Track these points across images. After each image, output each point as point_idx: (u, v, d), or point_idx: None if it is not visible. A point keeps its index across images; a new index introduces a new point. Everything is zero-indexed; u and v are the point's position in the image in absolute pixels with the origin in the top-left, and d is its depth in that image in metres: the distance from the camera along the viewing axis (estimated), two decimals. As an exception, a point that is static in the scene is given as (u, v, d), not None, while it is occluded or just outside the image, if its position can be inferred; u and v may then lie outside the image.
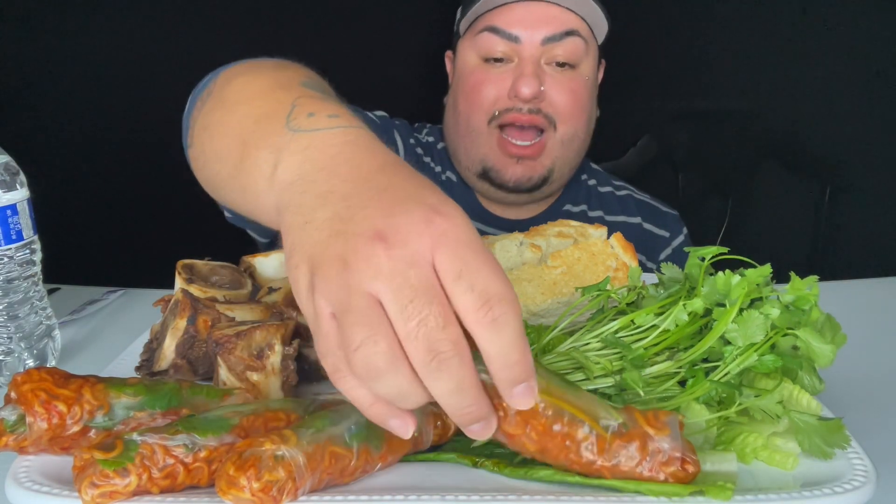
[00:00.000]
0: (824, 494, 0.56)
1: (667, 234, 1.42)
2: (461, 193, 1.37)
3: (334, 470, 0.57)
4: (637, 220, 1.42)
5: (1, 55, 1.98)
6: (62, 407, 0.60)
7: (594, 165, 1.49)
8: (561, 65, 1.24)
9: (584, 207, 1.41)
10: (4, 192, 0.81)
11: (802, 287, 0.67)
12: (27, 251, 0.84)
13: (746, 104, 2.09)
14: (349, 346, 0.45)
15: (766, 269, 0.69)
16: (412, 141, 1.39)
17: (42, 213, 0.88)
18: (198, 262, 0.97)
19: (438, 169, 1.39)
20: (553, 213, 1.39)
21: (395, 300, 0.45)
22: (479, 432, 0.49)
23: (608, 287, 0.76)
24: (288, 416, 0.63)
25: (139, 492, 0.55)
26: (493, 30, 1.22)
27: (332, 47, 1.89)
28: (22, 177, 0.83)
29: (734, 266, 0.72)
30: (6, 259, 0.82)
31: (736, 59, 2.08)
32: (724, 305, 0.67)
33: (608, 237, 0.94)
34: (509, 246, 0.90)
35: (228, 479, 0.52)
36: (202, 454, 0.56)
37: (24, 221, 0.83)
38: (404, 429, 0.49)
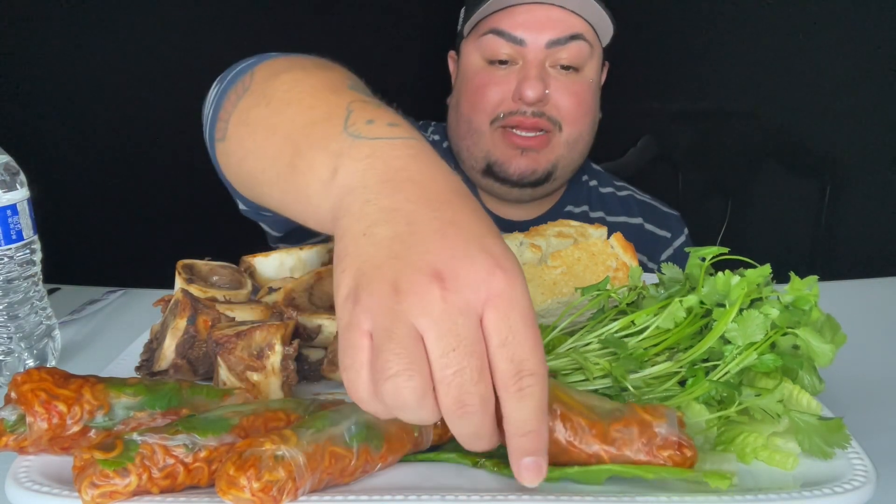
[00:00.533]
0: (824, 494, 0.55)
1: (668, 235, 1.42)
2: None
3: (334, 470, 0.57)
4: (638, 220, 1.42)
5: (1, 55, 1.98)
6: (62, 407, 0.60)
7: (595, 166, 1.49)
8: (565, 68, 1.23)
9: (585, 208, 1.41)
10: (4, 192, 0.81)
11: (802, 287, 0.67)
12: (27, 251, 0.84)
13: (746, 104, 2.10)
14: (383, 373, 0.46)
15: (766, 270, 0.69)
16: None
17: (42, 213, 0.88)
18: (198, 262, 0.97)
19: None
20: (554, 214, 1.39)
21: (438, 342, 0.46)
22: (480, 448, 0.51)
23: (608, 287, 0.76)
24: (288, 416, 0.63)
25: (139, 492, 0.55)
26: (498, 32, 1.22)
27: (336, 47, 1.89)
28: (22, 177, 0.83)
29: (734, 266, 0.72)
30: (6, 259, 0.82)
31: (736, 59, 2.08)
32: (724, 306, 0.67)
33: (608, 235, 0.94)
34: (509, 246, 0.90)
35: (228, 479, 0.52)
36: (202, 454, 0.56)
37: (24, 221, 0.83)
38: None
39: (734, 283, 0.67)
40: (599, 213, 1.41)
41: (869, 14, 2.03)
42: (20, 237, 0.83)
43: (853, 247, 2.16)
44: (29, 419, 0.59)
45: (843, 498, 0.55)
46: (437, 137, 1.43)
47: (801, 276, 0.70)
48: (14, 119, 2.03)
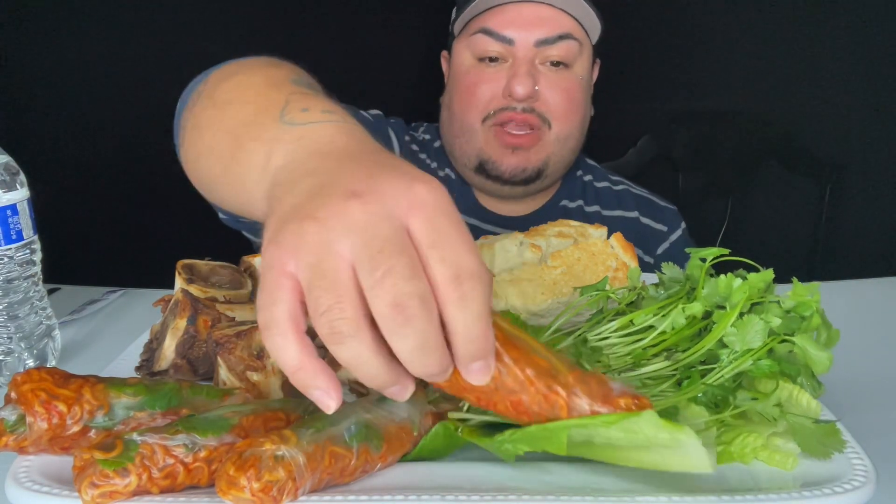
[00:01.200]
0: (824, 494, 0.55)
1: (665, 229, 1.42)
2: (459, 190, 1.38)
3: (334, 470, 0.57)
4: (634, 214, 1.42)
5: (1, 56, 1.98)
6: (62, 407, 0.60)
7: (590, 162, 1.49)
8: (555, 64, 1.24)
9: (580, 203, 1.42)
10: (4, 192, 0.81)
11: (804, 293, 0.67)
12: (27, 251, 0.84)
13: (746, 104, 2.10)
14: (316, 310, 0.44)
15: (769, 274, 0.69)
16: (407, 138, 1.40)
17: (42, 213, 0.88)
18: (198, 262, 0.97)
19: (434, 165, 1.40)
20: (549, 209, 1.40)
21: (364, 252, 0.43)
22: (432, 370, 0.48)
23: (607, 287, 0.76)
24: (288, 416, 0.63)
25: (139, 492, 0.55)
26: (487, 31, 1.23)
27: (329, 48, 1.89)
28: (22, 177, 0.83)
29: (734, 267, 0.72)
30: (6, 259, 0.82)
31: (736, 59, 2.08)
32: (724, 308, 0.67)
33: (607, 234, 0.94)
34: (509, 246, 0.90)
35: (228, 479, 0.52)
36: (202, 454, 0.57)
37: (24, 221, 0.83)
38: (326, 400, 0.47)
39: (735, 287, 0.66)
40: (595, 208, 1.42)
41: (869, 14, 2.03)
42: (20, 237, 0.83)
43: (853, 247, 2.16)
44: (29, 419, 0.59)
45: (843, 498, 0.55)
46: (427, 137, 1.44)
47: (801, 275, 0.70)
48: (14, 119, 2.03)
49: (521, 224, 1.34)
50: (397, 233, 0.44)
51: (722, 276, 0.68)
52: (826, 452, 0.60)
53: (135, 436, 0.56)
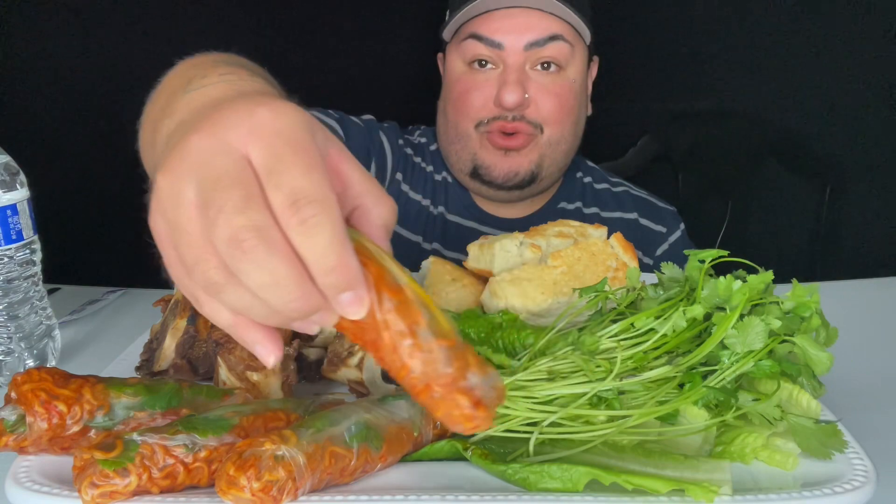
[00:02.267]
0: (824, 494, 0.56)
1: (664, 230, 1.42)
2: (457, 193, 1.38)
3: (334, 470, 0.57)
4: (633, 215, 1.42)
5: (1, 56, 1.98)
6: (62, 407, 0.60)
7: (590, 163, 1.49)
8: (546, 67, 1.24)
9: (579, 204, 1.42)
10: (4, 192, 0.81)
11: (804, 294, 0.67)
12: (27, 251, 0.84)
13: (746, 104, 2.09)
14: (188, 268, 0.42)
15: (768, 276, 0.68)
16: (401, 142, 1.40)
17: (42, 213, 0.88)
18: (198, 262, 0.97)
19: (431, 169, 1.40)
20: (548, 211, 1.40)
21: (202, 190, 0.41)
22: (321, 322, 0.44)
23: (606, 288, 0.76)
24: (288, 416, 0.63)
25: (139, 492, 0.55)
26: (477, 37, 1.23)
27: (326, 51, 1.89)
28: (22, 177, 0.83)
29: (734, 267, 0.72)
30: (6, 259, 0.82)
31: (736, 59, 2.08)
32: (724, 309, 0.67)
33: (607, 235, 0.94)
34: (509, 246, 0.90)
35: (228, 479, 0.52)
36: (202, 454, 0.57)
37: (24, 221, 0.83)
38: (265, 354, 0.45)
39: (735, 289, 0.66)
40: (594, 209, 1.42)
41: (869, 14, 2.03)
42: (20, 237, 0.83)
43: (853, 247, 2.16)
44: (29, 419, 0.59)
45: (843, 498, 0.55)
46: (423, 140, 1.45)
47: (801, 276, 0.70)
48: (14, 119, 2.03)
49: (520, 226, 1.34)
50: (234, 164, 0.41)
51: (721, 277, 0.68)
52: (826, 453, 0.60)
53: (135, 436, 0.56)
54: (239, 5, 1.97)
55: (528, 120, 1.24)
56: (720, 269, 0.72)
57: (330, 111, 1.31)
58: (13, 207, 0.82)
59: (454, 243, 1.34)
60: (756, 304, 0.68)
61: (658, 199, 1.48)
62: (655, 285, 0.76)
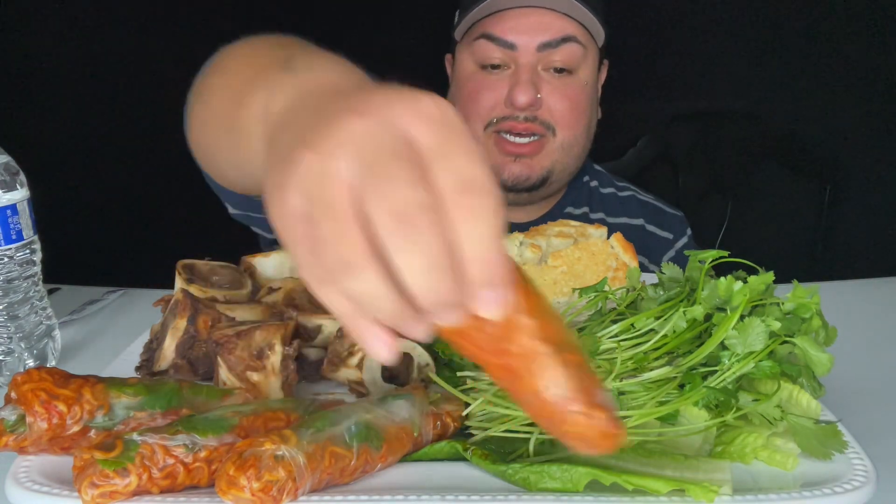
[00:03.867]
0: (824, 494, 0.56)
1: (670, 236, 1.41)
2: None
3: (334, 470, 0.57)
4: (640, 221, 1.41)
5: (1, 56, 1.98)
6: (62, 407, 0.60)
7: (597, 166, 1.48)
8: (559, 70, 1.23)
9: (585, 209, 1.41)
10: (4, 192, 0.81)
11: (804, 295, 0.67)
12: (27, 251, 0.84)
13: (746, 104, 2.10)
14: (320, 242, 0.40)
15: (769, 277, 0.68)
16: None
17: (42, 213, 0.88)
18: (198, 262, 0.97)
19: None
20: (554, 215, 1.38)
21: (360, 163, 0.39)
22: (447, 318, 0.42)
23: (606, 288, 0.76)
24: (288, 416, 0.63)
25: (139, 492, 0.55)
26: (489, 37, 1.22)
27: (332, 48, 1.89)
28: (22, 177, 0.83)
29: (734, 267, 0.72)
30: (6, 259, 0.82)
31: (736, 59, 2.08)
32: (724, 310, 0.67)
33: (607, 236, 0.94)
34: (509, 246, 0.90)
35: (228, 479, 0.52)
36: (202, 454, 0.56)
37: (24, 221, 0.83)
38: (381, 346, 0.42)
39: (736, 290, 0.66)
40: (600, 215, 1.41)
41: (869, 14, 2.03)
42: (20, 237, 0.83)
43: (853, 247, 2.16)
44: (29, 419, 0.59)
45: (843, 498, 0.55)
46: None
47: (800, 275, 0.70)
48: (14, 119, 2.03)
49: (526, 229, 1.34)
50: (398, 141, 0.39)
51: (722, 278, 0.68)
52: (826, 453, 0.60)
53: (135, 436, 0.56)
54: (242, 6, 1.97)
55: (540, 121, 1.22)
56: (720, 269, 0.72)
57: None
58: (13, 207, 0.82)
59: None
60: (756, 305, 0.68)
61: (665, 204, 1.46)
62: (655, 285, 0.76)
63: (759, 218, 2.14)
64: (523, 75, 1.20)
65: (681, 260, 1.37)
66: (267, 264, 0.98)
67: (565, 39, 1.20)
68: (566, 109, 1.23)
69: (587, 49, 1.24)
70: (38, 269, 0.87)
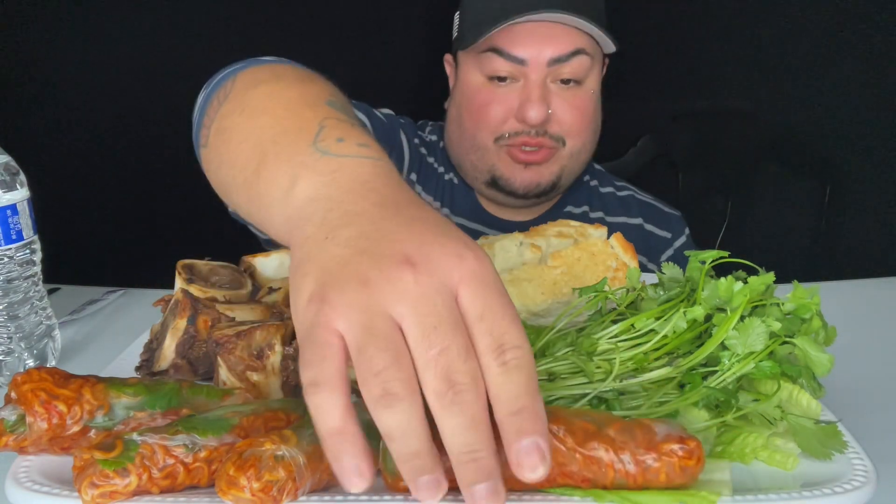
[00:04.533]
0: (824, 494, 0.55)
1: (668, 236, 1.41)
2: (463, 195, 1.37)
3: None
4: (638, 220, 1.42)
5: (2, 56, 1.98)
6: (62, 407, 0.60)
7: (596, 165, 1.48)
8: (566, 81, 1.22)
9: (585, 209, 1.41)
10: (4, 192, 0.81)
11: (805, 296, 0.67)
12: (27, 251, 0.84)
13: (746, 104, 2.09)
14: (369, 370, 0.44)
15: (769, 277, 0.68)
16: (416, 140, 1.38)
17: (42, 213, 0.88)
18: (198, 262, 0.97)
19: (441, 169, 1.39)
20: (554, 215, 1.39)
21: (418, 325, 0.44)
22: (486, 497, 0.44)
23: (606, 288, 0.76)
24: (288, 416, 0.63)
25: (139, 492, 0.55)
26: (498, 51, 1.20)
27: (331, 47, 1.89)
28: (22, 177, 0.83)
29: (734, 268, 0.72)
30: (6, 259, 0.82)
31: (736, 59, 2.08)
32: (724, 311, 0.67)
33: (607, 235, 0.94)
34: (509, 246, 0.90)
35: (228, 479, 0.52)
36: (202, 454, 0.56)
37: (24, 221, 0.83)
38: (354, 475, 0.45)
39: (736, 290, 0.66)
40: (599, 214, 1.41)
41: (870, 14, 2.03)
42: (20, 237, 0.83)
43: (853, 247, 2.16)
44: (29, 419, 0.59)
45: (843, 498, 0.55)
46: (433, 138, 1.43)
47: (800, 276, 0.70)
48: (14, 119, 2.03)
49: (525, 229, 1.33)
50: (451, 309, 0.45)
51: (722, 278, 0.68)
52: (826, 453, 0.60)
53: (135, 436, 0.56)
54: (241, 5, 1.97)
55: (550, 135, 1.23)
56: (720, 269, 0.72)
57: (355, 102, 1.26)
58: (13, 207, 0.82)
59: None
60: (757, 306, 0.68)
61: (663, 203, 1.46)
62: (656, 286, 0.76)
63: (759, 218, 2.14)
64: (534, 92, 1.19)
65: (679, 259, 1.37)
66: (267, 264, 0.98)
67: (575, 53, 1.20)
68: (576, 120, 1.23)
69: (594, 59, 1.24)
70: (38, 269, 0.87)
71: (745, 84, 2.09)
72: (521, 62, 1.19)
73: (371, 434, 0.59)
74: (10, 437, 0.59)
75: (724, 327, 0.65)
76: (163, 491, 0.56)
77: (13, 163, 0.83)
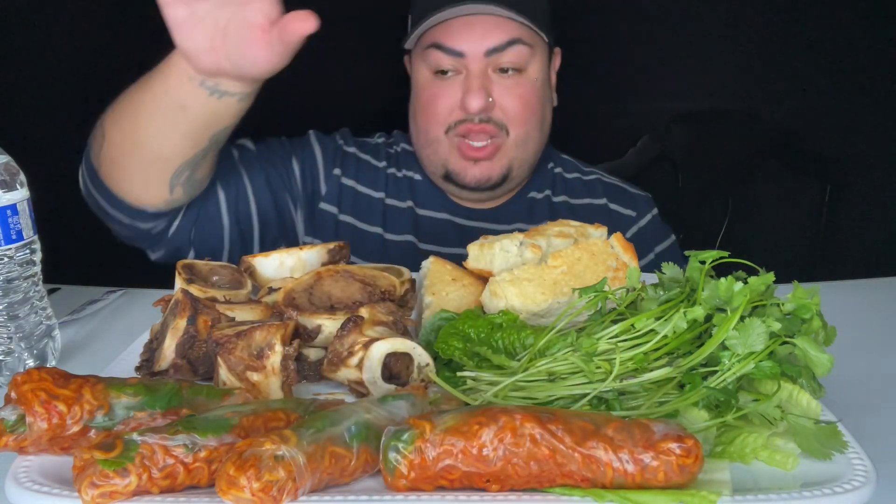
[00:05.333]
0: (824, 494, 0.55)
1: (633, 214, 1.45)
2: (428, 189, 1.42)
3: (334, 470, 0.57)
4: (602, 201, 1.45)
5: (2, 56, 1.98)
6: (62, 407, 0.60)
7: (564, 155, 1.53)
8: (508, 71, 1.28)
9: (548, 192, 1.45)
10: (4, 192, 0.81)
11: (805, 296, 0.67)
12: (27, 251, 0.84)
13: (746, 104, 2.09)
14: None
15: (769, 277, 0.68)
16: (343, 143, 1.43)
17: (42, 213, 0.88)
18: (198, 262, 0.97)
19: (384, 164, 1.43)
20: (518, 201, 1.43)
21: None
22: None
23: (606, 288, 0.76)
24: (288, 416, 0.63)
25: (139, 492, 0.55)
26: (438, 46, 1.27)
27: (317, 55, 1.89)
28: (22, 177, 0.83)
29: (734, 268, 0.72)
30: (6, 259, 0.82)
31: (736, 59, 2.08)
32: (724, 311, 0.67)
33: (606, 235, 0.94)
34: (509, 246, 0.90)
35: (228, 479, 0.52)
36: (202, 454, 0.56)
37: (24, 221, 0.83)
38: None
39: (736, 290, 0.66)
40: (562, 197, 1.45)
41: (870, 15, 2.03)
42: (20, 237, 0.83)
43: (853, 247, 2.16)
44: (29, 419, 0.59)
45: (843, 498, 0.55)
46: (380, 140, 1.49)
47: (801, 275, 0.70)
48: (14, 119, 2.03)
49: (492, 216, 1.41)
50: None
51: (722, 279, 0.68)
52: (826, 453, 0.60)
53: (135, 436, 0.56)
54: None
55: (494, 121, 1.29)
56: (721, 269, 0.72)
57: (246, 141, 1.35)
58: (13, 207, 0.82)
59: (430, 236, 1.38)
60: (757, 306, 0.68)
61: (631, 185, 1.51)
62: (655, 285, 0.76)
63: (759, 218, 2.14)
64: (474, 82, 1.26)
65: (643, 236, 1.41)
66: (267, 264, 0.98)
67: (511, 42, 1.27)
68: (518, 107, 1.30)
69: (534, 47, 1.29)
70: (38, 269, 0.87)
71: (745, 84, 2.09)
72: (459, 54, 1.27)
73: (371, 434, 0.60)
74: (10, 437, 0.59)
75: (725, 327, 0.65)
76: (163, 491, 0.56)
77: (13, 163, 0.83)
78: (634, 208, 1.45)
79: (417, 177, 1.43)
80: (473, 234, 1.36)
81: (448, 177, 1.35)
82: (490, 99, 1.27)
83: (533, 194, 1.44)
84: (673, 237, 1.46)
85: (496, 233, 1.38)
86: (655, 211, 1.47)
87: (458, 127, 1.29)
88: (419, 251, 1.35)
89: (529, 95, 1.31)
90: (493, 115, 1.28)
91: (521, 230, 1.38)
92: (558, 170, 1.49)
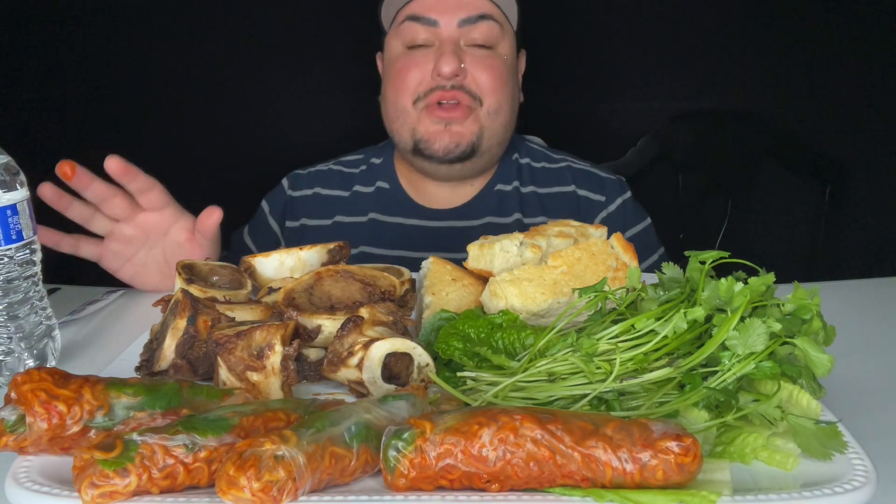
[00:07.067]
0: (824, 494, 0.55)
1: (602, 199, 1.46)
2: (393, 195, 1.45)
3: (334, 470, 0.57)
4: (571, 188, 1.46)
5: (2, 56, 1.98)
6: (62, 407, 0.60)
7: (532, 145, 1.54)
8: (479, 46, 1.33)
9: (516, 184, 1.45)
10: (4, 192, 0.81)
11: (805, 296, 0.67)
12: (27, 251, 0.84)
13: (746, 104, 2.09)
14: None
15: (769, 278, 0.68)
16: (299, 192, 1.49)
17: (42, 213, 0.88)
18: (198, 262, 0.97)
19: (355, 171, 1.49)
20: (485, 195, 1.44)
21: None
22: None
23: (606, 288, 0.76)
24: (288, 416, 0.63)
25: (139, 492, 0.55)
26: (414, 18, 1.33)
27: (308, 65, 1.89)
28: (22, 177, 0.83)
29: (734, 268, 0.72)
30: (6, 259, 0.82)
31: (736, 59, 2.08)
32: (724, 311, 0.67)
33: (606, 235, 0.94)
34: (509, 246, 0.90)
35: (228, 479, 0.52)
36: (202, 454, 0.56)
37: (24, 221, 0.83)
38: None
39: (737, 291, 0.66)
40: (530, 188, 1.46)
41: (870, 15, 2.03)
42: (20, 237, 0.83)
43: (853, 247, 2.16)
44: (29, 419, 0.59)
45: (843, 498, 0.55)
46: (354, 157, 1.53)
47: (800, 275, 0.70)
48: (14, 119, 2.03)
49: (459, 214, 1.42)
50: None
51: (722, 279, 0.68)
52: (826, 453, 0.60)
53: (135, 436, 0.56)
54: (242, 9, 1.97)
55: (466, 90, 1.32)
56: (721, 269, 0.72)
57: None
58: (13, 207, 0.82)
59: (388, 241, 1.41)
60: (757, 306, 0.68)
61: (602, 170, 1.52)
62: (656, 286, 0.76)
63: (759, 218, 2.14)
64: (447, 47, 1.32)
65: (613, 220, 1.43)
66: (267, 264, 0.98)
67: (482, 17, 1.33)
68: (490, 78, 1.34)
69: (503, 28, 1.36)
70: (38, 269, 0.87)
71: (745, 84, 2.09)
72: (433, 24, 1.32)
73: (371, 434, 0.60)
74: (10, 437, 0.59)
75: (725, 328, 0.65)
76: (163, 491, 0.56)
77: (13, 163, 0.83)
78: (604, 193, 1.46)
79: (386, 185, 1.46)
80: (443, 236, 1.39)
81: (417, 148, 1.36)
82: (462, 66, 1.31)
83: (500, 186, 1.45)
84: (648, 221, 1.47)
85: (467, 230, 1.40)
86: (628, 195, 1.48)
87: (429, 96, 1.32)
88: (378, 258, 1.38)
89: (501, 68, 1.35)
90: (466, 83, 1.32)
91: (492, 223, 1.39)
92: (525, 160, 1.50)
